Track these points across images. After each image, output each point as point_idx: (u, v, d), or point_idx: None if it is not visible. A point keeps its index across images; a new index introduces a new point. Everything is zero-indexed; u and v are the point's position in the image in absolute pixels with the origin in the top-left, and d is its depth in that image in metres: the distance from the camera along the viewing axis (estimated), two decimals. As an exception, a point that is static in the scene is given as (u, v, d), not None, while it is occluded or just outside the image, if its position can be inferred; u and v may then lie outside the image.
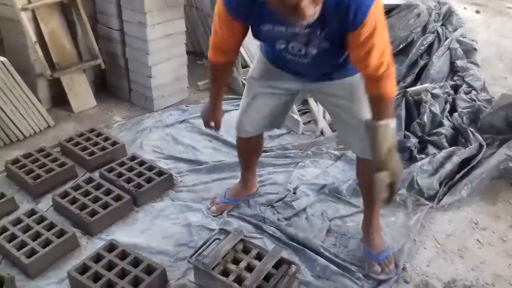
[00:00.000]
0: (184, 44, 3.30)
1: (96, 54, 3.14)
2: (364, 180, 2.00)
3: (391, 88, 1.60)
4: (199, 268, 1.89)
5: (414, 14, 3.35)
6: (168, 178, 2.50)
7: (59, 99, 3.22)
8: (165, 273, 1.94)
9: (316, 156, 2.74)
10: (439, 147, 2.64)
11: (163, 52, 3.15)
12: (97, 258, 1.96)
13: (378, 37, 1.47)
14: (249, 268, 1.90)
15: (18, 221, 2.14)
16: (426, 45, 3.38)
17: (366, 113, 1.73)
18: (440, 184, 2.42)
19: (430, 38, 3.39)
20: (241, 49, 3.58)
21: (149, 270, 1.91)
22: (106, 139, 2.79)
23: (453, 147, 2.59)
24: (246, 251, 2.00)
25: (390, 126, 1.60)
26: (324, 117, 2.98)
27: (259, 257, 1.96)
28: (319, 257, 2.04)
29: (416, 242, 2.15)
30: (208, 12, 3.80)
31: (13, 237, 2.06)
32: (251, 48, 3.79)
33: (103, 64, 3.18)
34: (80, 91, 3.22)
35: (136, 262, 1.95)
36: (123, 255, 1.98)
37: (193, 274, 1.95)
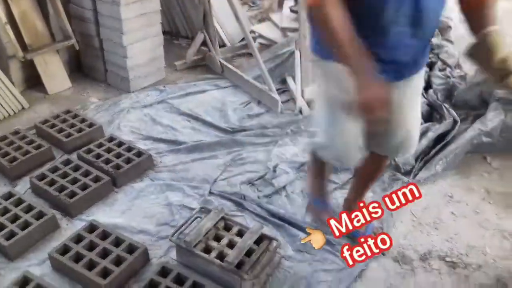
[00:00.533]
0: (159, 24, 3.25)
1: (69, 35, 3.06)
2: (368, 170, 1.98)
3: None
4: (181, 246, 1.90)
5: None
6: (148, 159, 2.49)
7: (33, 81, 3.15)
8: (147, 252, 1.95)
9: (295, 134, 2.76)
10: (415, 124, 2.68)
11: (138, 32, 3.10)
12: (78, 238, 1.96)
13: None
14: (231, 245, 1.92)
15: (-6, 206, 2.11)
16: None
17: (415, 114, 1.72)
18: (416, 160, 2.48)
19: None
20: (218, 26, 3.56)
21: (131, 249, 1.92)
22: (83, 120, 2.75)
23: (428, 123, 2.64)
24: (227, 228, 2.02)
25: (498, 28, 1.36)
26: (302, 96, 2.99)
27: (240, 234, 1.98)
28: (300, 232, 2.08)
29: (393, 216, 2.20)
30: (183, -9, 3.75)
31: (-11, 219, 2.03)
32: (227, 27, 3.77)
33: (76, 45, 3.11)
34: (54, 72, 3.14)
35: (117, 242, 1.95)
36: (104, 235, 1.98)
37: (175, 252, 1.96)
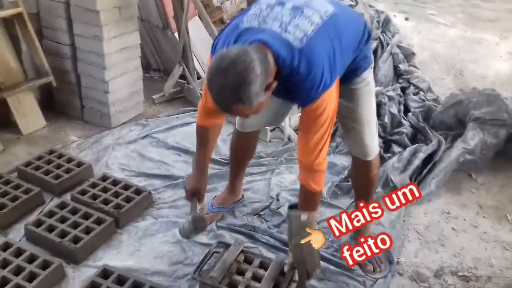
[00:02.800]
0: (139, 58, 3.20)
1: (46, 71, 2.93)
2: (357, 177, 2.08)
3: (317, 184, 1.72)
4: (205, 283, 1.84)
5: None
6: (147, 196, 2.40)
7: (3, 121, 2.96)
8: (169, 294, 1.86)
9: (289, 162, 2.79)
10: (402, 145, 2.82)
11: (119, 66, 3.03)
12: (93, 286, 1.83)
13: (325, 113, 1.56)
14: (256, 278, 1.89)
15: (-8, 257, 1.93)
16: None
17: (364, 117, 1.82)
18: (410, 179, 2.58)
19: (374, 44, 3.61)
20: (194, 58, 3.56)
21: (153, 292, 1.83)
22: (70, 160, 2.61)
23: (416, 145, 2.78)
24: (248, 261, 1.98)
25: (305, 219, 1.69)
26: (289, 124, 3.04)
27: (262, 266, 1.95)
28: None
29: (401, 236, 2.27)
30: (155, 24, 3.73)
31: (-10, 275, 1.86)
32: (204, 58, 3.78)
33: (54, 81, 2.98)
34: (28, 111, 2.98)
35: (136, 286, 1.85)
36: (120, 280, 1.87)
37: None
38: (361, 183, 2.08)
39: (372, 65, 1.86)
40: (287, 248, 2.13)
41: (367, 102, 1.86)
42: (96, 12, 2.76)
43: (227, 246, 2.02)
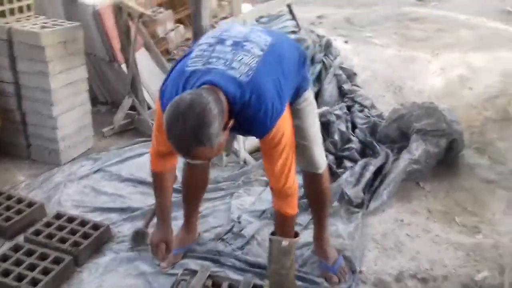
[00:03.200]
0: (86, 92, 3.16)
1: (-12, 111, 2.83)
2: (310, 192, 2.14)
3: (291, 208, 1.81)
4: None
5: (304, 47, 3.70)
6: (106, 231, 2.35)
7: None
8: (137, 328, 1.82)
9: (246, 184, 2.82)
10: (353, 160, 2.94)
11: (66, 101, 2.98)
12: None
13: (283, 140, 1.63)
14: None
15: None
16: (316, 74, 3.74)
17: (309, 134, 1.91)
18: (363, 192, 2.69)
19: (318, 67, 3.77)
20: (143, 89, 3.57)
21: (120, 327, 1.78)
22: (20, 200, 2.52)
23: (366, 159, 2.91)
24: (217, 285, 1.98)
25: (286, 245, 1.79)
26: (244, 148, 3.09)
27: None
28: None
29: (360, 247, 2.35)
30: (101, 57, 3.71)
31: None
32: (153, 88, 3.79)
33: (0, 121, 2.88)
34: (-30, 153, 2.85)
35: (102, 323, 1.80)
36: (85, 319, 1.81)
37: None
38: (315, 197, 2.13)
39: (310, 86, 1.97)
40: (253, 269, 2.16)
41: (312, 120, 1.96)
42: (41, 48, 2.72)
43: (193, 272, 2.02)
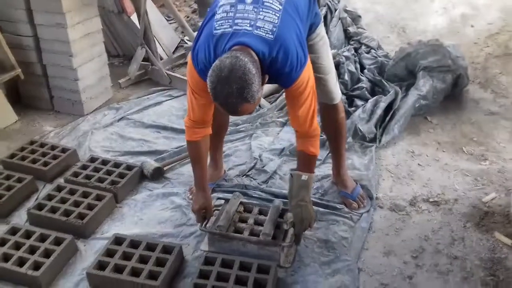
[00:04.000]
0: (102, 43, 3.24)
1: (12, 64, 2.91)
2: (328, 123, 2.29)
3: (315, 148, 1.94)
4: (214, 233, 2.00)
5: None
6: (139, 171, 2.51)
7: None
8: (182, 250, 2.01)
9: (264, 126, 2.98)
10: (364, 99, 3.08)
11: (85, 53, 3.07)
12: (109, 253, 1.95)
13: (305, 90, 1.75)
14: (258, 223, 2.07)
15: (2, 242, 1.99)
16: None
17: (324, 66, 2.06)
18: (375, 127, 2.85)
19: (324, 10, 3.83)
20: (156, 42, 3.64)
21: (167, 250, 1.97)
22: (53, 147, 2.66)
23: (376, 96, 3.04)
24: (248, 210, 2.16)
25: (305, 178, 1.92)
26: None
27: (261, 213, 2.14)
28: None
29: (376, 176, 2.53)
30: (110, 9, 3.75)
31: (6, 256, 1.92)
32: (164, 39, 3.86)
33: (22, 75, 2.97)
34: (-2, 106, 2.97)
35: (150, 247, 1.98)
36: (133, 245, 2.00)
37: (206, 243, 2.05)
38: (333, 127, 2.28)
39: (322, 20, 2.08)
40: (278, 199, 2.34)
41: (326, 53, 2.09)
42: (57, 0, 2.78)
43: (226, 200, 2.19)
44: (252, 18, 1.66)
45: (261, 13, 1.67)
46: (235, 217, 2.10)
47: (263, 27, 1.65)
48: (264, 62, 1.64)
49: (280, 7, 1.70)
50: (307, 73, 1.76)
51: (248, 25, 1.65)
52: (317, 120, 1.89)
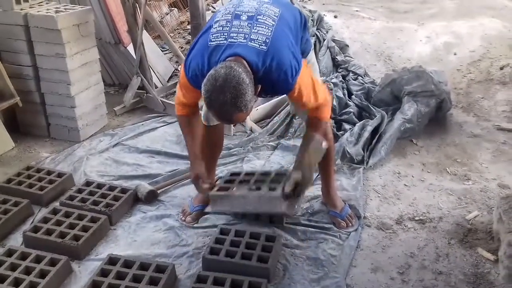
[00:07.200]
0: (99, 72, 3.36)
1: (11, 93, 3.01)
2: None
3: (325, 114, 2.05)
4: (217, 195, 2.03)
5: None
6: (133, 194, 2.58)
7: (-29, 146, 3.01)
8: (174, 269, 2.06)
9: (255, 150, 3.07)
10: (351, 123, 3.19)
11: (82, 81, 3.18)
12: (103, 273, 2.00)
13: (304, 90, 1.88)
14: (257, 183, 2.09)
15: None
16: (311, 47, 3.96)
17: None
18: (363, 150, 2.95)
19: (312, 40, 3.99)
20: (151, 71, 3.76)
21: (160, 270, 2.02)
22: (49, 172, 2.73)
23: (363, 120, 3.16)
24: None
25: (320, 141, 1.99)
26: (249, 117, 3.32)
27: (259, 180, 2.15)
28: (297, 226, 2.37)
29: (364, 196, 2.61)
30: (107, 40, 3.89)
31: (2, 277, 1.97)
32: (159, 68, 3.99)
33: (20, 103, 3.06)
34: (-5, 134, 3.05)
35: (143, 267, 2.04)
36: (127, 265, 2.05)
37: (210, 205, 2.08)
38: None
39: (313, 47, 2.22)
40: (271, 224, 2.40)
41: (316, 77, 2.20)
42: (57, 31, 2.91)
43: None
44: (247, 32, 1.78)
45: (255, 27, 1.80)
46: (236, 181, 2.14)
47: (257, 39, 1.77)
48: (257, 72, 1.74)
49: (273, 23, 1.83)
50: (303, 78, 1.86)
51: (242, 38, 1.77)
52: (323, 91, 1.98)
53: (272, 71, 1.77)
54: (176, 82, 4.05)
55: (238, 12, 1.88)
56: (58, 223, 2.30)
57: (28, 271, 2.01)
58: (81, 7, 3.14)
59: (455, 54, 4.29)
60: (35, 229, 2.25)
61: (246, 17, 1.84)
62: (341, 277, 2.06)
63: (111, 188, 2.58)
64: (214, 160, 2.54)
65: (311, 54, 2.19)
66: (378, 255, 2.21)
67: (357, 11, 5.28)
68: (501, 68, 3.90)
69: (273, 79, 1.79)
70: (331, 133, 2.35)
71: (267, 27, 1.81)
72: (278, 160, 2.95)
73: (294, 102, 1.97)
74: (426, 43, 4.51)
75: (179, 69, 4.32)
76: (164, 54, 4.57)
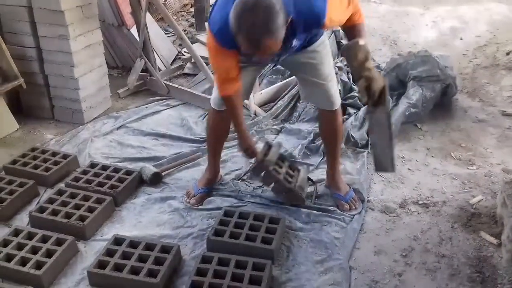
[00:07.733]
0: (102, 54, 3.34)
1: (15, 75, 3.01)
2: (326, 129, 2.38)
3: (362, 18, 2.00)
4: (270, 172, 2.26)
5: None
6: (138, 176, 2.58)
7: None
8: (179, 250, 2.08)
9: (260, 133, 3.07)
10: (356, 107, 3.18)
11: (86, 64, 3.17)
12: (109, 253, 2.02)
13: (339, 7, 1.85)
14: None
15: (5, 243, 2.06)
16: (316, 30, 3.93)
17: (327, 73, 2.14)
18: (367, 134, 2.94)
19: (317, 24, 3.95)
20: (155, 53, 3.74)
21: (165, 250, 2.04)
22: (54, 154, 2.74)
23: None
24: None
25: (363, 43, 1.89)
26: (254, 101, 3.31)
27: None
28: (301, 208, 2.38)
29: (368, 180, 2.62)
30: (110, 22, 3.86)
31: (9, 257, 1.99)
32: (162, 51, 3.97)
33: (24, 84, 3.06)
34: (0, 115, 3.04)
35: (148, 247, 2.05)
36: (133, 245, 2.06)
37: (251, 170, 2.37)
38: (331, 133, 2.36)
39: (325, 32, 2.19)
40: (273, 205, 2.41)
41: (328, 60, 2.20)
42: (60, 13, 2.89)
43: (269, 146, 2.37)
44: None
45: None
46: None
47: None
48: (287, 5, 1.67)
49: None
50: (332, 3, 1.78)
51: None
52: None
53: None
54: (180, 65, 4.04)
55: None
56: (64, 204, 2.32)
57: (34, 250, 2.03)
58: (85, -12, 3.12)
59: (461, 39, 4.26)
60: (41, 210, 2.27)
61: None
62: (345, 259, 2.07)
63: (116, 170, 2.59)
64: (220, 146, 2.53)
65: (325, 36, 2.17)
66: (381, 238, 2.22)
67: (363, -5, 5.22)
68: (507, 54, 3.88)
69: (302, 9, 1.72)
70: (341, 117, 2.34)
71: None
72: (282, 143, 2.94)
73: (336, 23, 1.90)
74: (432, 27, 4.47)
75: (182, 52, 4.30)
76: (168, 37, 4.54)
